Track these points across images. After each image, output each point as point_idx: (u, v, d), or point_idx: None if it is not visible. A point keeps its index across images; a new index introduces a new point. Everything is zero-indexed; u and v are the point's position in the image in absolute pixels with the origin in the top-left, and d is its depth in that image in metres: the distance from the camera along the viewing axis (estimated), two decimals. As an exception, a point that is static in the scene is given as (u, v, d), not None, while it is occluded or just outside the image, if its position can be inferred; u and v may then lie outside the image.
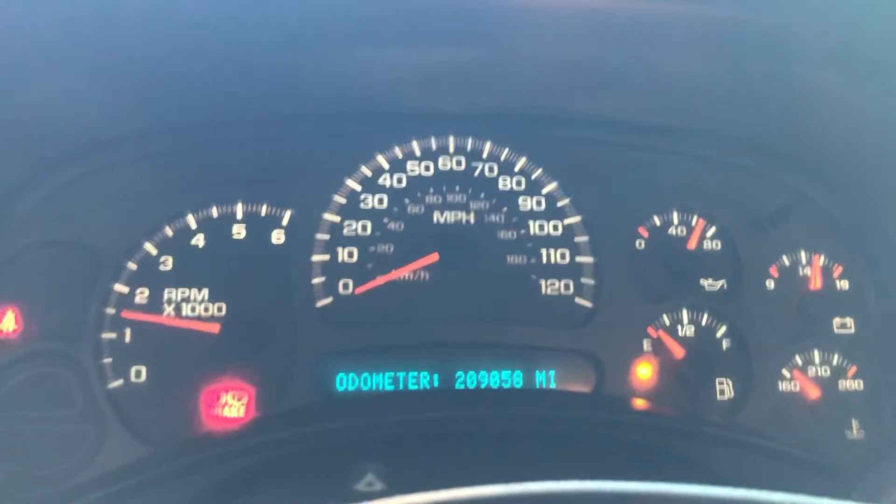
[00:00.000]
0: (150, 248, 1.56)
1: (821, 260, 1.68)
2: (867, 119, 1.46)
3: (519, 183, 1.68)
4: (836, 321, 1.66)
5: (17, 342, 1.47)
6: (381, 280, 1.58)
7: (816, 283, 1.66)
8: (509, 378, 1.56)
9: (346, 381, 1.53)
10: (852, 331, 1.66)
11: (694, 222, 1.68)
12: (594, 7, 1.21)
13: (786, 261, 1.67)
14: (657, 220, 1.68)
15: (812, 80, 1.40)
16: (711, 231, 1.68)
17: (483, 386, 1.54)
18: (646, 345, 1.60)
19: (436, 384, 1.54)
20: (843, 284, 1.68)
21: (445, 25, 1.32)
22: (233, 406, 1.49)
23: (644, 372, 1.58)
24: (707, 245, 1.68)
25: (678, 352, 1.59)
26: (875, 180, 1.62)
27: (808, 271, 1.68)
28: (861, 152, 1.58)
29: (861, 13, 1.19)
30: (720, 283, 1.65)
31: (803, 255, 1.68)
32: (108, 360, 1.50)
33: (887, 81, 1.33)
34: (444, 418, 1.23)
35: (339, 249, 1.60)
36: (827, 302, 1.65)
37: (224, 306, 1.55)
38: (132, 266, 1.55)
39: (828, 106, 1.47)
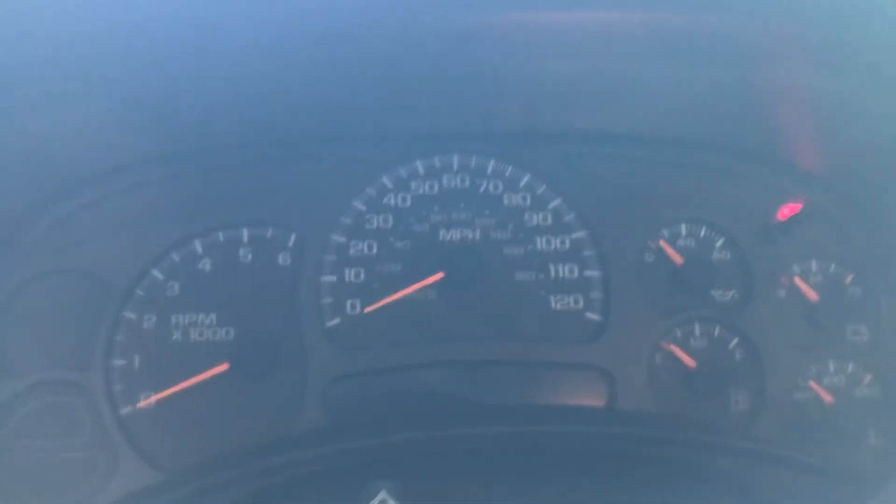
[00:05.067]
0: (157, 274, 1.56)
1: (832, 267, 1.67)
2: (870, 125, 1.46)
3: (524, 199, 1.68)
4: (850, 329, 1.64)
5: (26, 371, 1.48)
6: (388, 299, 1.57)
7: (828, 292, 1.65)
8: (520, 395, 1.54)
9: (356, 402, 1.52)
10: (866, 338, 1.64)
11: (703, 233, 1.67)
12: (591, 21, 1.21)
13: (797, 269, 1.66)
14: (665, 233, 1.67)
15: (812, 88, 1.40)
16: (720, 242, 1.67)
17: (494, 403, 1.52)
18: (657, 358, 1.59)
19: (446, 403, 1.53)
20: (855, 292, 1.66)
21: (445, 46, 1.33)
22: (242, 429, 1.48)
23: (657, 385, 1.56)
24: (716, 256, 1.67)
25: (690, 364, 1.58)
26: (882, 186, 1.61)
27: (819, 279, 1.66)
28: (866, 159, 1.58)
29: (855, 19, 1.19)
30: (731, 294, 1.64)
31: (814, 264, 1.67)
32: (118, 388, 1.50)
33: (883, 86, 1.32)
34: (457, 436, 1.23)
35: (346, 270, 1.60)
36: (839, 310, 1.63)
37: (232, 330, 1.55)
38: (140, 292, 1.55)
39: (831, 113, 1.47)
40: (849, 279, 1.67)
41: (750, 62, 1.35)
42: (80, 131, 1.43)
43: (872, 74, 1.32)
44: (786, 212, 1.66)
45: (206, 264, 1.59)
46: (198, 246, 1.59)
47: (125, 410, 1.49)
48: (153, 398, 1.49)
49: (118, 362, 1.51)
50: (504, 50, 1.34)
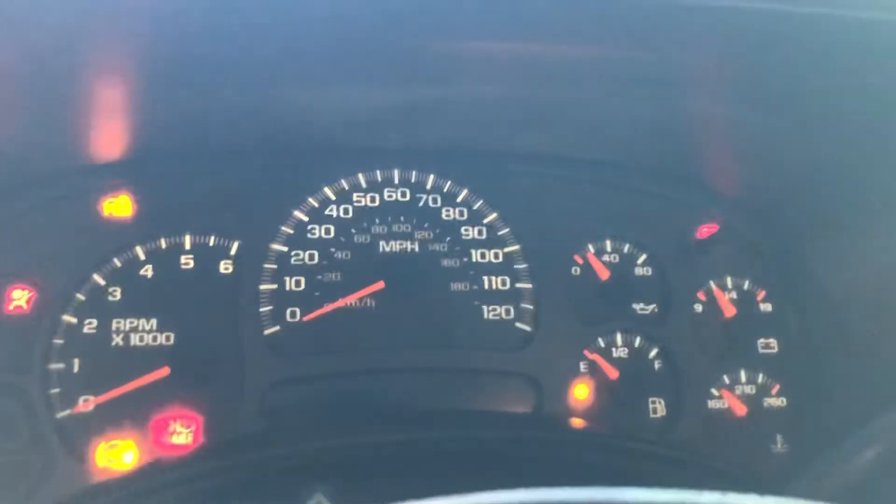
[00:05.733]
0: (98, 279, 1.58)
1: (745, 284, 1.78)
2: (781, 152, 1.58)
3: (461, 213, 1.75)
4: (761, 342, 1.76)
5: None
6: (328, 308, 1.62)
7: (741, 307, 1.76)
8: (453, 401, 1.61)
9: (294, 408, 1.57)
10: (776, 351, 1.76)
11: (626, 250, 1.77)
12: (525, 51, 1.29)
13: (713, 286, 1.77)
14: (592, 248, 1.76)
15: (728, 117, 1.51)
16: (643, 258, 1.77)
17: (428, 409, 1.59)
18: (582, 366, 1.68)
19: (382, 409, 1.58)
20: (767, 307, 1.78)
21: (391, 67, 1.39)
22: (181, 434, 1.51)
23: (580, 392, 1.65)
24: (638, 271, 1.77)
25: (612, 373, 1.67)
26: (792, 210, 1.74)
27: (733, 295, 1.77)
28: (779, 183, 1.70)
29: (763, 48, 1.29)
30: (651, 307, 1.74)
31: (729, 281, 1.78)
32: (56, 391, 1.50)
33: (792, 115, 1.44)
34: (390, 441, 1.28)
35: (287, 278, 1.64)
36: (751, 324, 1.75)
37: (172, 336, 1.58)
38: (81, 297, 1.56)
39: (745, 140, 1.59)
40: (761, 295, 1.78)
41: (670, 92, 1.44)
42: (23, 135, 1.44)
43: (782, 105, 1.44)
44: (704, 231, 1.78)
45: (147, 270, 1.61)
46: (140, 252, 1.61)
47: (62, 414, 1.50)
48: (92, 402, 1.50)
49: (57, 366, 1.52)
50: (445, 73, 1.41)
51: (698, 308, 1.75)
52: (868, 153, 1.47)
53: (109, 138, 1.56)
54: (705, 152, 1.71)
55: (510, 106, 1.55)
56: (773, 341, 1.76)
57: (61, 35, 1.18)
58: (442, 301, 1.68)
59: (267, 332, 1.60)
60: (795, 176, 1.64)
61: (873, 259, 1.62)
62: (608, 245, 1.77)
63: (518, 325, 1.69)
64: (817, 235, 1.72)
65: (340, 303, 1.63)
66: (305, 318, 1.62)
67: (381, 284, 1.64)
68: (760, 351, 1.75)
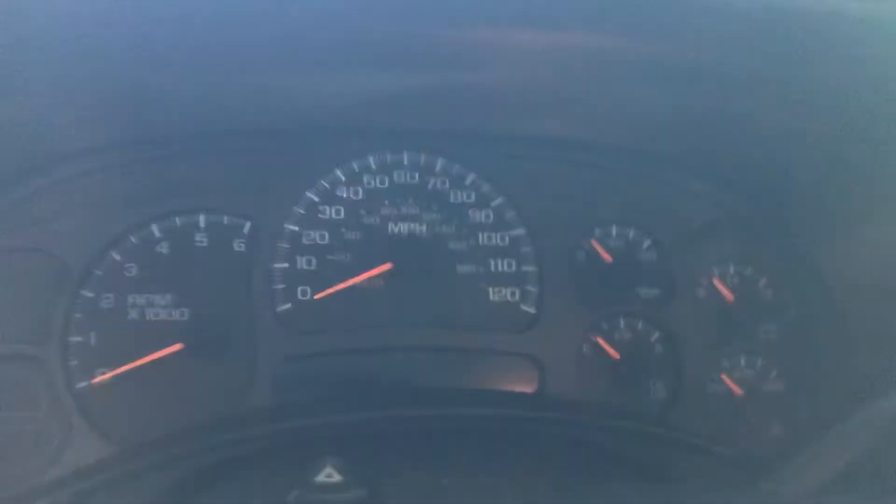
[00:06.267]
0: (115, 255, 1.63)
1: (748, 271, 1.82)
2: (786, 144, 1.60)
3: (469, 196, 1.78)
4: (761, 328, 1.79)
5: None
6: (338, 287, 1.67)
7: (743, 293, 1.79)
8: (458, 380, 1.66)
9: (303, 383, 1.62)
10: (775, 336, 1.79)
11: (631, 235, 1.81)
12: (535, 39, 1.31)
13: (715, 271, 1.80)
14: (597, 233, 1.79)
15: (733, 111, 1.53)
16: (647, 243, 1.80)
17: (434, 387, 1.63)
18: (585, 348, 1.72)
19: (388, 385, 1.63)
20: (767, 294, 1.81)
21: (403, 53, 1.42)
22: (195, 406, 1.56)
23: (583, 373, 1.70)
24: (642, 257, 1.80)
25: (614, 355, 1.72)
26: (795, 201, 1.76)
27: (736, 282, 1.81)
28: (781, 175, 1.73)
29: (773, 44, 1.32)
30: (654, 291, 1.78)
31: (732, 267, 1.81)
32: (74, 363, 1.56)
33: (793, 107, 1.46)
34: (396, 416, 1.33)
35: (299, 257, 1.69)
36: (752, 310, 1.79)
37: (187, 311, 1.63)
38: (98, 272, 1.61)
39: (751, 132, 1.61)
40: (762, 282, 1.82)
41: (686, 85, 1.47)
42: (43, 114, 1.48)
43: (785, 98, 1.47)
44: (708, 218, 1.81)
45: (163, 247, 1.65)
46: (155, 230, 1.65)
47: (80, 385, 1.56)
48: (108, 374, 1.56)
49: (75, 339, 1.57)
50: (455, 59, 1.44)
51: (701, 294, 1.79)
52: (869, 148, 1.49)
53: (126, 120, 1.60)
54: (714, 144, 1.73)
55: (521, 92, 1.57)
56: (772, 327, 1.79)
57: (76, 21, 1.21)
58: (449, 282, 1.72)
59: (279, 308, 1.65)
60: (799, 169, 1.67)
61: (871, 250, 1.65)
62: (613, 230, 1.80)
63: (523, 307, 1.73)
64: (819, 226, 1.75)
65: (350, 282, 1.67)
66: (316, 297, 1.67)
67: (388, 265, 1.68)
68: (760, 336, 1.78)
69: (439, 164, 1.79)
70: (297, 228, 1.70)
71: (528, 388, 1.68)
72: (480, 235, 1.76)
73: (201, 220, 1.68)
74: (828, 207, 1.69)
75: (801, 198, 1.75)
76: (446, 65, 1.47)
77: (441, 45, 1.39)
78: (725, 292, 1.79)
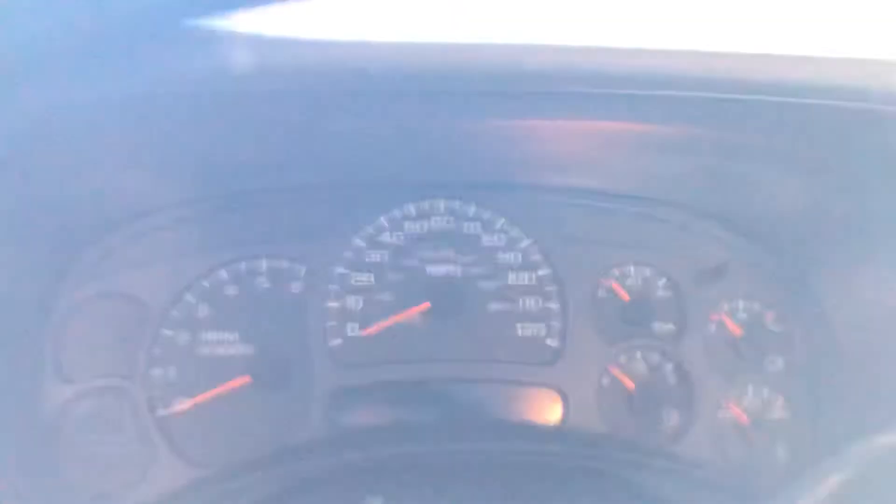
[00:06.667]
0: (189, 297, 1.85)
1: (756, 306, 1.97)
2: (791, 196, 1.77)
3: (499, 240, 1.96)
4: (768, 360, 1.93)
5: (81, 378, 1.78)
6: (383, 324, 1.87)
7: (751, 327, 1.95)
8: (489, 411, 1.86)
9: (353, 412, 1.84)
10: (782, 368, 1.93)
11: (647, 275, 1.97)
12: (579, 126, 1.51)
13: (725, 307, 1.96)
14: (616, 272, 1.96)
15: (741, 170, 1.70)
16: (662, 282, 1.97)
17: (467, 419, 1.83)
18: (605, 380, 1.90)
19: (425, 416, 1.83)
20: (775, 328, 1.96)
21: (435, 117, 1.59)
22: (262, 433, 1.79)
23: (603, 403, 1.88)
24: (658, 294, 1.96)
25: (631, 386, 1.88)
26: (801, 242, 1.91)
27: (744, 317, 1.96)
28: (791, 219, 1.88)
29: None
30: (668, 326, 1.94)
31: (741, 303, 1.97)
32: (155, 393, 1.79)
33: (799, 171, 1.64)
34: (440, 451, 1.52)
35: (348, 297, 1.89)
36: (760, 342, 1.93)
37: (252, 347, 1.85)
38: (175, 313, 1.84)
39: (765, 191, 1.78)
40: (769, 317, 1.97)
41: (702, 154, 1.65)
42: (125, 177, 1.71)
43: (787, 160, 1.64)
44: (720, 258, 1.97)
45: (230, 290, 1.87)
46: (224, 274, 1.87)
47: (161, 413, 1.78)
48: (187, 403, 1.78)
49: (156, 372, 1.80)
50: (487, 127, 1.64)
51: (712, 328, 1.94)
52: (873, 194, 1.64)
53: (198, 179, 1.82)
54: (724, 191, 1.88)
55: (551, 157, 1.76)
56: (779, 359, 1.93)
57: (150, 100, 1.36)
58: (481, 319, 1.90)
59: (331, 344, 1.86)
60: (807, 213, 1.82)
61: (873, 288, 1.79)
62: (631, 270, 1.96)
63: (548, 341, 1.91)
64: (824, 265, 1.89)
65: (393, 320, 1.87)
66: (363, 333, 1.87)
67: (426, 304, 1.88)
68: (767, 367, 1.92)
69: (472, 209, 1.97)
70: (346, 271, 1.90)
71: (553, 418, 1.86)
72: (510, 275, 1.94)
73: (263, 264, 1.89)
74: (834, 249, 1.84)
75: (808, 240, 1.90)
76: (477, 127, 1.66)
77: (473, 111, 1.56)
78: (733, 327, 1.94)
